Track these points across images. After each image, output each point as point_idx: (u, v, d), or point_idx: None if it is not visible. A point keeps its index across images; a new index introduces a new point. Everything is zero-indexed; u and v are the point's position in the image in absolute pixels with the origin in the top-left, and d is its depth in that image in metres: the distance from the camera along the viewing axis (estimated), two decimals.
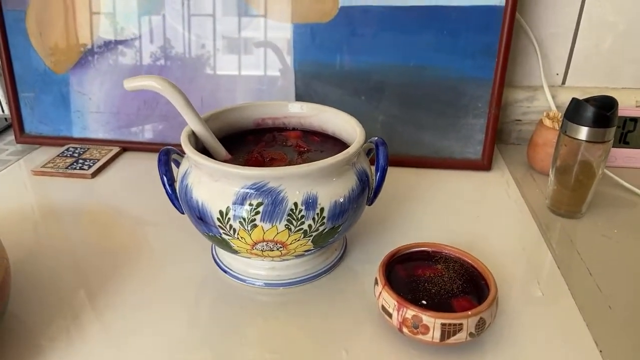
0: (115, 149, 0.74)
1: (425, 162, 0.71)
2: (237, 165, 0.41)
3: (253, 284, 0.49)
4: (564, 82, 0.78)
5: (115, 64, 0.72)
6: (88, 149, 0.74)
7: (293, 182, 0.41)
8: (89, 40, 0.72)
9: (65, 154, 0.72)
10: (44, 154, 0.75)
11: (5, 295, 0.40)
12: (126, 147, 0.75)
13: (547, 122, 0.67)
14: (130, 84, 0.46)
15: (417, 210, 0.61)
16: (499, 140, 0.80)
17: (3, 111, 0.86)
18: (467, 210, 0.61)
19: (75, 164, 0.70)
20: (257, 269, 0.49)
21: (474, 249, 0.45)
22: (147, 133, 0.75)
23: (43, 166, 0.69)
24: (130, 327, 0.44)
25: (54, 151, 0.74)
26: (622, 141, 0.71)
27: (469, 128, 0.69)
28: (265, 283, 0.49)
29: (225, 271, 0.50)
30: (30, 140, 0.78)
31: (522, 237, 0.56)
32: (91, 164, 0.69)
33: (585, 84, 0.77)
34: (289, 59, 0.70)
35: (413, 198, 0.63)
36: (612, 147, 0.70)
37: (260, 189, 0.41)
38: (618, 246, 0.55)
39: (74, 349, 0.41)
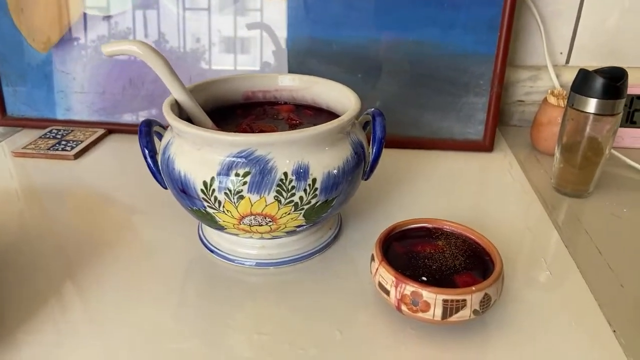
0: (100, 131, 0.70)
1: (425, 143, 0.68)
2: (222, 132, 0.38)
3: (242, 264, 0.46)
4: (567, 61, 0.75)
5: (97, 41, 0.69)
6: (72, 130, 0.71)
7: (283, 150, 0.38)
8: (74, 17, 0.68)
9: (47, 136, 0.69)
10: (26, 137, 0.71)
11: None
12: (112, 129, 0.72)
13: (552, 100, 0.64)
14: (109, 48, 0.42)
15: (416, 191, 0.58)
16: (501, 122, 0.77)
17: None
18: (469, 191, 0.59)
19: (57, 145, 0.66)
20: (246, 247, 0.46)
21: (476, 228, 0.42)
22: (132, 115, 0.71)
23: (24, 147, 0.66)
24: (116, 314, 0.40)
25: (36, 133, 0.71)
26: (629, 121, 0.68)
27: (470, 107, 0.67)
28: (255, 263, 0.46)
29: (212, 251, 0.47)
30: (12, 123, 0.74)
31: (527, 217, 0.53)
32: (74, 146, 0.66)
33: (590, 63, 0.75)
34: (282, 36, 0.67)
35: (412, 179, 0.60)
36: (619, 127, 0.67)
37: (247, 157, 0.38)
38: (628, 225, 0.52)
39: (60, 337, 0.38)
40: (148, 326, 0.39)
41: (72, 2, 0.68)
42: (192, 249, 0.48)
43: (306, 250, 0.46)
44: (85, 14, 0.68)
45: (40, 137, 0.69)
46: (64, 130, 0.71)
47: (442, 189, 0.59)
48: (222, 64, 0.69)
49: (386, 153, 0.66)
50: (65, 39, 0.69)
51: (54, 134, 0.70)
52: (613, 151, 0.63)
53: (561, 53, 0.74)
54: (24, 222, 0.53)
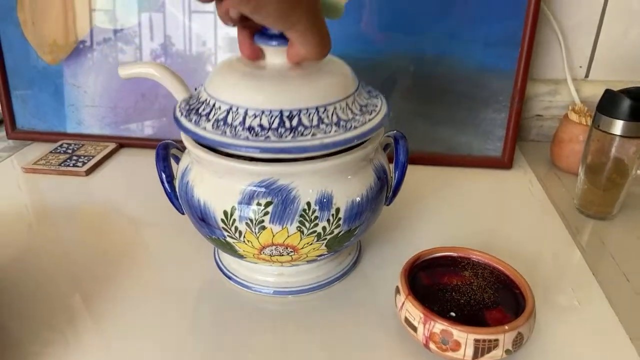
0: (112, 145, 0.69)
1: (442, 159, 0.66)
2: (243, 161, 0.36)
3: (259, 292, 0.44)
4: (587, 75, 0.73)
5: (113, 56, 0.68)
6: (83, 145, 0.69)
7: (306, 179, 0.37)
8: (85, 30, 0.67)
9: (58, 150, 0.68)
10: (36, 150, 0.70)
11: None
12: (123, 143, 0.71)
13: (574, 117, 0.63)
14: (126, 71, 0.41)
15: (435, 211, 0.57)
16: (519, 137, 0.75)
17: None
18: (489, 212, 0.57)
19: (68, 160, 0.65)
20: (264, 274, 0.45)
21: (498, 254, 0.41)
22: (145, 128, 0.70)
23: (35, 163, 0.65)
24: (127, 337, 0.39)
25: (47, 147, 0.70)
26: None
27: (489, 123, 0.65)
28: (273, 290, 0.44)
29: (229, 277, 0.46)
30: (22, 136, 0.73)
31: (551, 240, 0.52)
32: (85, 161, 0.65)
33: (610, 77, 0.73)
34: None
35: (430, 198, 0.59)
36: None
37: (269, 186, 0.37)
38: None
39: (68, 351, 0.37)
40: (159, 350, 0.38)
41: (82, 15, 0.67)
42: (207, 271, 0.47)
43: (326, 278, 0.45)
44: (95, 27, 0.67)
45: (50, 152, 0.68)
46: (75, 145, 0.69)
47: (462, 208, 0.57)
48: None
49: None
50: (76, 52, 0.68)
51: (64, 149, 0.69)
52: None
53: (580, 67, 0.73)
54: (35, 239, 0.52)
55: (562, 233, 0.53)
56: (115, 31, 0.67)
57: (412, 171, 0.64)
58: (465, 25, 0.61)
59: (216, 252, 0.49)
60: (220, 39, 0.66)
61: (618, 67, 0.73)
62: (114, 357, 0.38)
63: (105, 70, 0.68)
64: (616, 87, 0.53)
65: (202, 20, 0.66)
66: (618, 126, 0.50)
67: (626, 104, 0.49)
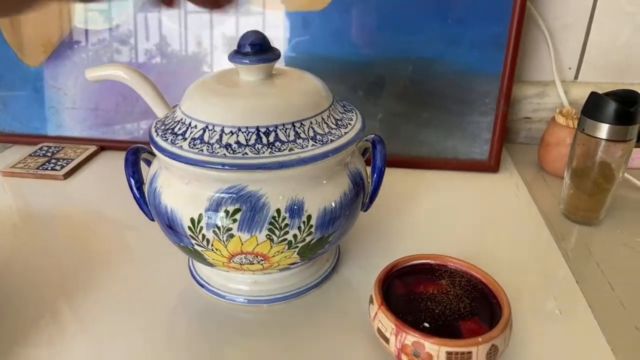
0: (92, 148, 0.68)
1: (428, 162, 0.65)
2: (210, 166, 0.35)
3: (233, 300, 0.43)
4: (576, 77, 0.72)
5: (89, 57, 0.66)
6: (63, 148, 0.68)
7: (276, 185, 0.36)
8: (65, 31, 0.66)
9: (37, 153, 0.67)
10: (16, 153, 0.69)
11: None
12: (104, 146, 0.70)
13: (561, 120, 0.62)
14: (93, 73, 0.40)
15: (418, 216, 0.55)
16: (507, 140, 0.74)
17: None
18: (473, 216, 0.56)
19: (47, 164, 0.64)
20: (237, 283, 0.44)
21: (481, 260, 0.40)
22: (126, 131, 0.69)
23: (13, 166, 0.64)
24: (101, 348, 0.38)
25: (27, 150, 0.69)
26: None
27: (476, 126, 0.64)
28: (246, 299, 0.43)
29: (202, 285, 0.44)
30: (2, 139, 0.72)
31: (534, 246, 0.51)
32: (64, 164, 0.64)
33: (599, 79, 0.72)
34: (281, 52, 0.64)
35: (413, 202, 0.58)
36: None
37: (237, 193, 0.36)
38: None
39: (51, 351, 0.37)
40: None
41: (62, 17, 0.65)
42: (184, 278, 0.46)
43: (301, 286, 0.44)
44: (76, 28, 0.66)
45: (30, 155, 0.67)
46: (55, 148, 0.68)
47: (446, 213, 0.56)
48: (223, 67, 0.66)
49: (387, 172, 0.64)
50: (56, 54, 0.67)
51: (44, 152, 0.67)
52: (626, 174, 0.60)
53: (570, 68, 0.72)
54: (14, 242, 0.51)
55: (547, 239, 0.52)
56: (98, 32, 0.66)
57: (397, 175, 0.63)
58: (451, 27, 0.60)
59: (190, 260, 0.47)
60: (215, 39, 0.65)
61: (608, 69, 0.71)
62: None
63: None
64: (605, 89, 0.52)
65: (197, 20, 0.64)
66: (604, 130, 0.49)
67: (612, 107, 0.48)
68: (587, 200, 0.53)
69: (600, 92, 0.50)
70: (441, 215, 0.56)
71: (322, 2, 0.62)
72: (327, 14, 0.62)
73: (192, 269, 0.46)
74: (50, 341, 0.39)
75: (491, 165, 0.64)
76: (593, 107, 0.50)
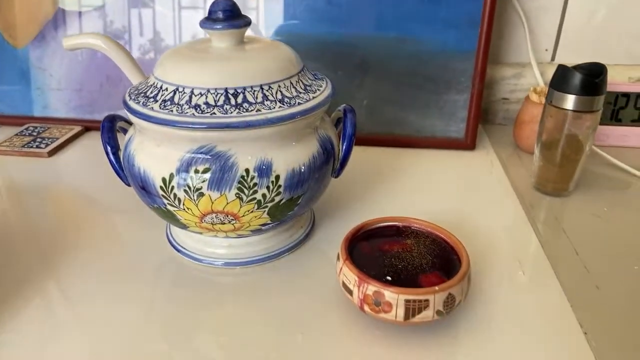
0: (77, 128, 0.69)
1: (407, 141, 0.67)
2: (180, 127, 0.36)
3: (210, 264, 0.45)
4: (553, 59, 0.74)
5: None
6: (48, 128, 0.69)
7: (245, 146, 0.37)
8: (50, 12, 0.67)
9: (23, 133, 0.68)
10: (2, 134, 0.70)
11: None
12: (88, 126, 0.71)
13: (534, 97, 0.63)
14: (70, 41, 0.42)
15: (395, 189, 0.57)
16: (485, 121, 0.76)
17: None
18: (448, 190, 0.57)
19: (32, 142, 0.65)
20: (213, 247, 0.45)
21: (451, 227, 0.41)
22: (110, 112, 0.70)
23: None
24: (84, 317, 0.39)
25: (13, 130, 0.70)
26: (614, 118, 0.67)
27: (452, 105, 0.65)
28: (223, 262, 0.44)
29: (179, 251, 0.46)
30: None
31: (504, 216, 0.52)
32: (49, 143, 0.65)
33: (576, 60, 0.72)
34: (262, 33, 0.66)
35: (391, 177, 0.59)
36: (604, 124, 0.66)
37: (207, 153, 0.37)
38: (608, 225, 0.51)
39: (26, 338, 0.37)
40: (117, 328, 0.38)
41: None
42: (163, 247, 0.47)
43: (275, 250, 0.45)
44: (61, 10, 0.67)
45: (16, 135, 0.68)
46: (41, 128, 0.69)
47: (421, 188, 0.58)
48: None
49: (368, 151, 0.65)
50: (42, 35, 0.68)
51: (30, 131, 0.69)
52: (597, 149, 0.62)
53: (546, 50, 0.73)
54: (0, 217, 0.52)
55: (517, 210, 0.53)
56: (81, 14, 0.67)
57: (377, 152, 0.65)
58: (426, 5, 0.61)
59: (168, 227, 0.49)
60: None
61: (584, 50, 0.73)
62: (70, 341, 0.37)
63: (71, 53, 0.68)
64: None
65: (192, 15, 0.66)
66: (570, 101, 0.51)
67: (577, 78, 0.50)
68: (556, 172, 0.54)
69: (564, 64, 0.52)
70: (417, 190, 0.57)
71: None
72: None
73: (170, 236, 0.47)
74: (37, 311, 0.40)
75: (467, 144, 0.66)
76: (560, 79, 0.51)
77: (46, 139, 0.66)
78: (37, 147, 0.64)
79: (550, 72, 0.71)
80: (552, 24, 0.72)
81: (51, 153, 0.64)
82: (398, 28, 0.63)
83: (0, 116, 0.73)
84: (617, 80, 0.71)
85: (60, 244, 0.47)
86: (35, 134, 0.68)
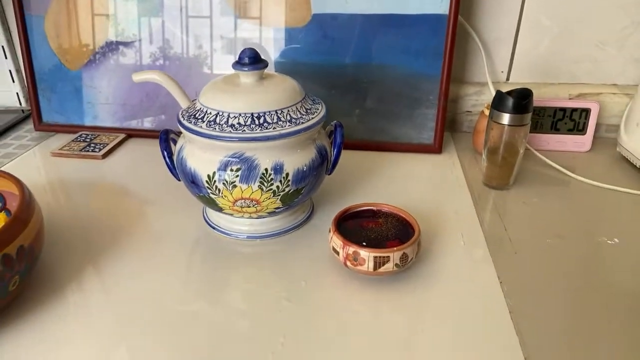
0: (121, 136, 0.86)
1: (387, 146, 0.83)
2: (221, 139, 0.53)
3: (236, 237, 0.61)
4: (508, 79, 0.90)
5: (119, 63, 0.84)
6: (98, 135, 0.86)
7: (264, 152, 0.54)
8: (97, 42, 0.84)
9: (78, 139, 0.85)
10: (59, 140, 0.87)
11: (42, 239, 0.52)
12: (130, 134, 0.87)
13: (487, 112, 0.80)
14: (137, 77, 0.58)
15: (374, 184, 0.73)
16: (453, 129, 0.93)
17: (20, 104, 0.99)
18: (416, 184, 0.74)
19: (87, 147, 0.82)
20: (239, 224, 0.61)
21: (413, 211, 0.58)
22: (148, 122, 0.87)
23: (60, 149, 0.82)
24: (133, 283, 0.55)
25: (68, 137, 0.86)
26: (553, 128, 0.84)
27: (423, 117, 0.82)
28: (246, 236, 0.61)
29: (213, 228, 0.62)
30: (47, 128, 0.90)
31: (456, 204, 0.69)
32: (101, 147, 0.82)
33: (527, 80, 0.90)
34: (272, 60, 0.82)
35: (372, 175, 0.76)
36: (545, 133, 0.83)
37: (238, 157, 0.53)
38: (534, 211, 0.68)
39: (81, 303, 0.54)
40: (160, 292, 0.53)
41: (98, 30, 0.83)
42: (198, 229, 0.63)
43: (285, 227, 0.62)
44: (107, 39, 0.83)
45: (72, 141, 0.84)
46: (92, 135, 0.86)
47: (396, 182, 0.74)
48: (223, 68, 0.83)
49: (355, 154, 0.82)
50: (92, 60, 0.85)
51: (83, 138, 0.85)
52: (536, 153, 0.79)
53: (502, 72, 0.90)
54: (57, 210, 0.68)
55: (467, 200, 0.70)
56: (126, 43, 0.83)
57: (361, 156, 0.82)
58: (401, 40, 0.78)
59: (204, 212, 0.65)
60: (215, 42, 0.82)
61: (533, 72, 0.90)
62: (121, 304, 0.54)
63: (116, 74, 0.85)
64: (532, 88, 0.69)
65: (198, 24, 0.81)
66: (506, 118, 0.67)
67: (510, 101, 0.66)
68: (498, 171, 0.71)
69: (501, 91, 0.69)
70: (393, 184, 0.74)
71: (304, 21, 0.79)
72: (307, 30, 0.80)
73: (206, 217, 0.64)
74: (93, 273, 0.56)
75: (435, 148, 0.83)
76: (498, 101, 0.68)
77: (98, 145, 0.83)
78: (93, 150, 0.81)
79: (506, 90, 0.89)
80: (507, 51, 0.88)
81: (104, 156, 0.80)
82: (379, 57, 0.79)
83: (57, 125, 0.89)
84: (560, 97, 0.88)
85: (119, 228, 0.64)
86: (88, 140, 0.84)
